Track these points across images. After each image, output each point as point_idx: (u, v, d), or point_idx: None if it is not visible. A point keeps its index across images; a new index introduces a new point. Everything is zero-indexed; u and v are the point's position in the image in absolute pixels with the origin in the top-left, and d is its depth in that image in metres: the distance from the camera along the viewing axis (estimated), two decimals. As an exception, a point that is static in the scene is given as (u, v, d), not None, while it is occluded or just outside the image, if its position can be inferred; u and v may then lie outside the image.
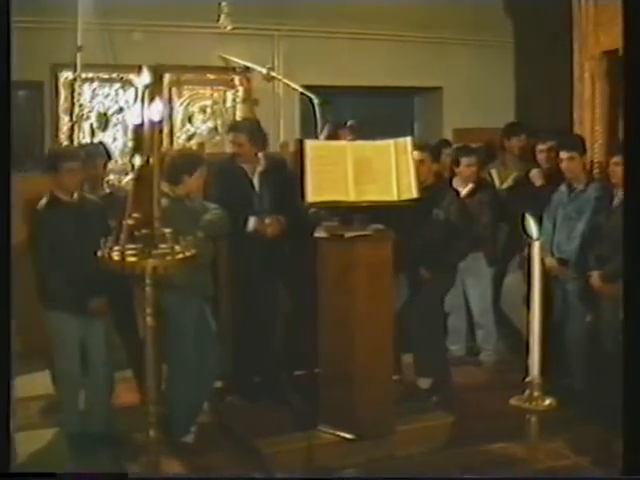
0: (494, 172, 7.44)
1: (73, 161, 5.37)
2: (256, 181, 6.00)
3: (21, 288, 6.85)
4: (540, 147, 6.90)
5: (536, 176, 6.96)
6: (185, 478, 4.84)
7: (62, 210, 5.26)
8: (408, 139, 5.38)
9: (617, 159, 5.53)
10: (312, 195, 5.19)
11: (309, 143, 5.38)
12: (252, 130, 6.01)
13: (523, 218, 2.96)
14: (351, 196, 5.19)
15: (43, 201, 5.32)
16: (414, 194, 5.24)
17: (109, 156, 6.33)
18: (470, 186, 6.91)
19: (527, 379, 2.99)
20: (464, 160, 6.89)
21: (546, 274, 2.99)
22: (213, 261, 5.59)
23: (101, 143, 6.70)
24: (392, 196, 5.23)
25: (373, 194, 5.22)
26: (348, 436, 5.25)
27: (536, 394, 2.97)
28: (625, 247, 3.40)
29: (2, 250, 2.96)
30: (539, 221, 2.99)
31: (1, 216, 2.97)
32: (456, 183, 6.88)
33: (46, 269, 5.23)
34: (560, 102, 7.15)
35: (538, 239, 2.88)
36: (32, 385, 6.16)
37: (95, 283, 5.03)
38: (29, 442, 5.13)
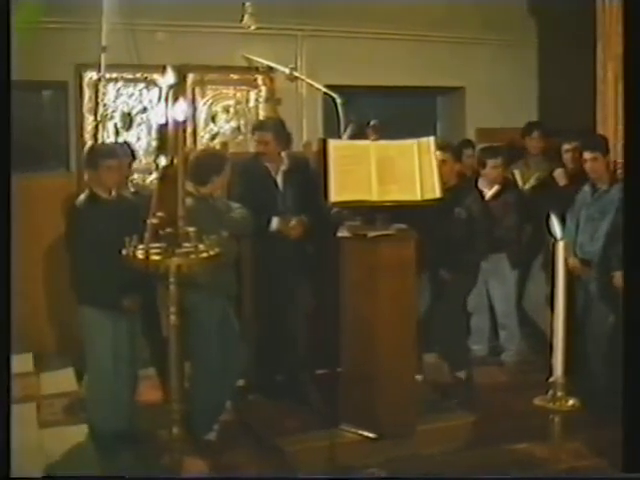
0: (517, 172, 7.42)
1: (112, 158, 5.43)
2: (280, 180, 6.02)
3: (50, 285, 7.00)
4: (566, 147, 6.89)
5: (560, 176, 6.94)
6: (185, 478, 4.85)
7: (100, 207, 5.31)
8: (431, 139, 5.38)
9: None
10: (335, 195, 5.20)
11: (332, 143, 5.39)
12: (277, 129, 6.04)
13: (548, 218, 2.95)
14: (374, 196, 5.20)
15: (82, 197, 5.37)
16: (437, 194, 5.24)
17: (134, 155, 6.37)
18: (496, 187, 6.90)
19: (551, 379, 2.99)
20: (490, 162, 6.88)
21: (569, 274, 2.98)
22: (237, 260, 5.61)
23: (126, 142, 6.73)
24: (415, 196, 5.23)
25: (396, 194, 5.22)
26: (370, 435, 5.26)
27: (559, 394, 2.97)
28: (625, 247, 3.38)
29: (2, 250, 2.98)
30: (562, 221, 2.97)
31: (1, 216, 2.98)
32: (481, 184, 6.87)
33: (83, 265, 5.26)
34: (583, 102, 7.11)
35: (562, 239, 2.88)
36: (57, 382, 6.22)
37: (128, 281, 5.06)
38: (55, 439, 5.17)
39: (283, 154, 6.04)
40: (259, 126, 6.19)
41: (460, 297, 6.36)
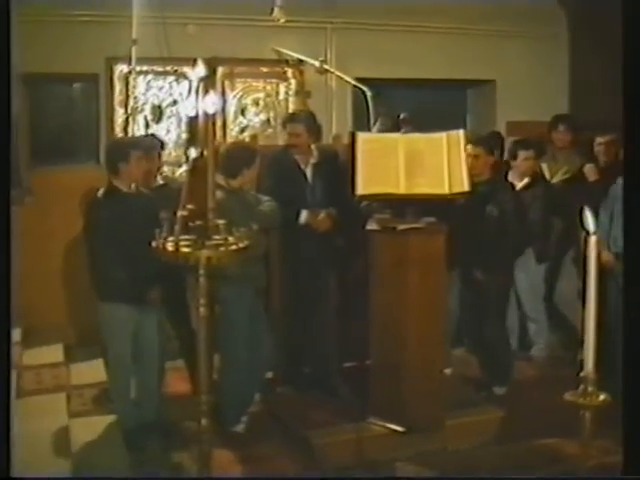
0: (545, 166, 7.38)
1: (143, 150, 5.46)
2: (309, 173, 6.02)
3: (74, 278, 7.04)
4: (599, 140, 6.83)
5: (590, 171, 6.88)
6: (185, 478, 4.88)
7: (120, 200, 5.28)
8: (460, 132, 5.35)
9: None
10: (362, 188, 5.20)
11: (361, 136, 5.38)
12: (309, 122, 6.04)
13: (581, 212, 2.92)
14: (401, 189, 5.18)
15: (101, 191, 5.36)
16: (465, 187, 5.21)
17: (162, 147, 6.38)
18: (526, 180, 6.86)
19: (581, 374, 2.96)
20: (522, 153, 6.84)
21: (602, 269, 2.94)
22: (265, 253, 5.62)
23: (153, 135, 6.75)
24: (443, 189, 5.20)
25: (424, 187, 5.19)
26: (398, 429, 5.26)
27: (590, 389, 2.94)
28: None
29: (2, 246, 2.99)
30: (595, 215, 2.94)
31: (1, 209, 2.99)
32: (511, 177, 6.84)
33: (102, 259, 5.24)
34: (615, 95, 7.04)
35: (595, 234, 2.85)
36: (87, 373, 6.27)
37: (150, 274, 5.07)
38: (84, 429, 5.21)
39: (313, 147, 6.04)
40: (291, 119, 6.19)
41: (495, 296, 6.26)
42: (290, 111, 7.52)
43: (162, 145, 6.34)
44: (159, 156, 6.20)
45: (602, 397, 2.95)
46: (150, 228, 3.43)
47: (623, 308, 3.27)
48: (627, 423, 2.94)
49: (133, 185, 5.41)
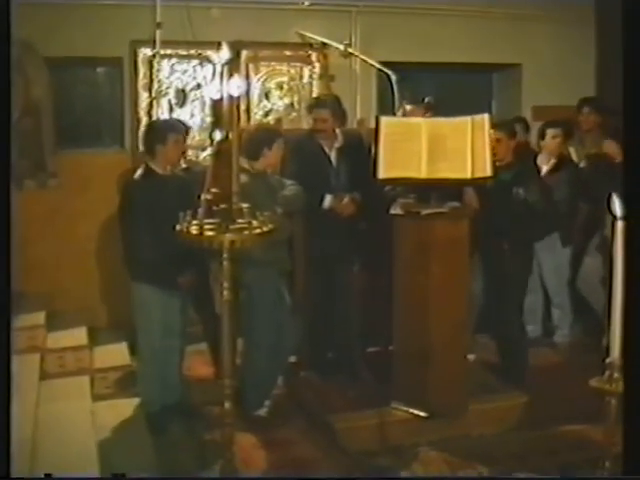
0: (572, 149, 7.33)
1: (179, 133, 5.51)
2: (333, 157, 6.00)
3: (104, 261, 7.09)
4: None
5: (616, 152, 6.81)
6: (189, 478, 4.90)
7: (157, 182, 5.33)
8: (485, 116, 5.30)
9: None
10: (383, 172, 5.18)
11: (384, 120, 5.36)
12: (335, 106, 6.03)
13: (609, 196, 2.90)
14: (423, 173, 5.15)
15: (139, 172, 5.41)
16: (488, 172, 5.18)
17: (187, 131, 6.39)
18: (552, 161, 6.83)
19: (607, 360, 2.94)
20: (550, 131, 6.84)
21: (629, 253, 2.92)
22: (289, 237, 5.61)
23: (178, 120, 6.75)
24: (466, 174, 5.16)
25: (446, 172, 5.16)
26: (421, 414, 5.25)
27: (616, 376, 2.92)
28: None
29: (2, 239, 2.99)
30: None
31: (1, 200, 2.99)
32: (540, 160, 6.82)
33: (136, 239, 5.27)
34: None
35: (622, 218, 2.83)
36: (111, 356, 6.30)
37: (182, 258, 5.09)
38: (108, 412, 5.24)
39: (337, 131, 6.02)
40: (316, 104, 6.17)
41: (517, 278, 6.22)
42: (315, 96, 7.47)
43: (187, 129, 6.34)
44: (185, 140, 6.21)
45: (628, 384, 2.93)
46: (184, 210, 3.45)
47: (623, 308, 3.23)
48: (627, 422, 2.91)
49: (169, 167, 5.45)
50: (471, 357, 5.90)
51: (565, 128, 6.96)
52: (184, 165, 6.13)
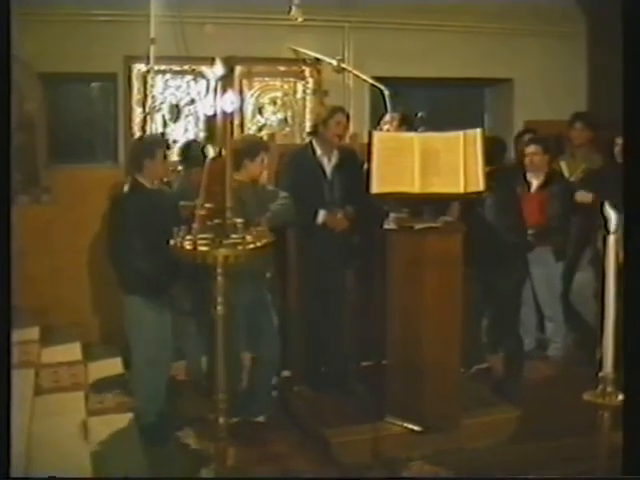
0: (563, 164, 7.36)
1: (166, 148, 5.58)
2: (329, 171, 6.02)
3: (96, 275, 7.07)
4: (618, 140, 6.79)
5: (587, 199, 6.83)
6: (184, 478, 4.89)
7: (145, 196, 5.36)
8: (478, 131, 5.33)
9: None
10: (377, 186, 5.20)
11: (377, 134, 5.39)
12: (347, 115, 6.12)
13: (602, 210, 2.91)
14: (416, 188, 5.17)
15: (127, 186, 5.45)
16: (481, 187, 5.20)
17: (168, 147, 6.40)
18: (542, 178, 6.84)
19: (600, 374, 2.95)
20: (530, 148, 6.84)
21: (621, 267, 2.93)
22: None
23: (162, 134, 6.80)
24: (458, 189, 5.18)
25: (439, 186, 5.18)
26: (415, 428, 5.25)
27: (609, 389, 2.93)
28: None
29: (2, 245, 3.00)
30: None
31: (1, 209, 3.00)
32: (529, 176, 6.84)
33: (125, 252, 5.28)
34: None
35: (615, 232, 2.84)
36: (105, 371, 6.28)
37: (172, 269, 5.10)
38: (101, 427, 5.22)
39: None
40: (339, 108, 6.21)
41: (510, 290, 6.23)
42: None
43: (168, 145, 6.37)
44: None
45: (621, 397, 2.94)
46: (172, 223, 3.46)
47: (623, 308, 3.25)
48: (627, 423, 2.93)
49: (156, 181, 5.51)
50: (483, 366, 6.00)
51: (545, 144, 6.96)
52: (165, 179, 6.15)
